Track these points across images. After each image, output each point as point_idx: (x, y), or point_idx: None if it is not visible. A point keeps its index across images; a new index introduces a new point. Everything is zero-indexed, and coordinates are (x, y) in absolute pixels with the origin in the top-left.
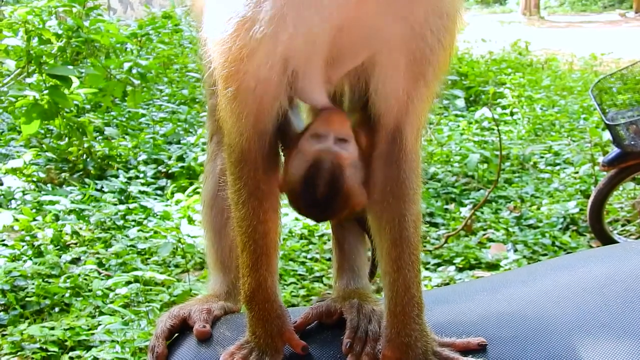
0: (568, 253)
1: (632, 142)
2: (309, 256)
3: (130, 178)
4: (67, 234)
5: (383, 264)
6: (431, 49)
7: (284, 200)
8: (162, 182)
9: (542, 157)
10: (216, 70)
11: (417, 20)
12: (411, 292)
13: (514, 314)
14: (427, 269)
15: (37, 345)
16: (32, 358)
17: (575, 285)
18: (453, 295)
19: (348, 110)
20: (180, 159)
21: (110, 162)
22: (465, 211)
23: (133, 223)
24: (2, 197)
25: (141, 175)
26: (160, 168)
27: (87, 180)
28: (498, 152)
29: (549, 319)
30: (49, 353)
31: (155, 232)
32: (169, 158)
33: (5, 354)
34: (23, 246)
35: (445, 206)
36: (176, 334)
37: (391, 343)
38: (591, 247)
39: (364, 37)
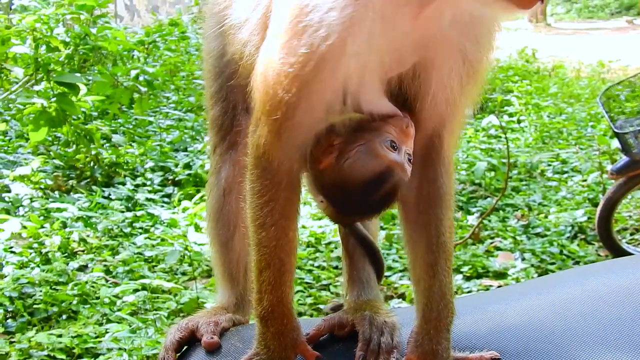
0: (576, 262)
1: None
2: (315, 264)
3: (137, 185)
4: (74, 241)
5: (417, 269)
6: (476, 52)
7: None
8: (169, 189)
9: (549, 165)
10: (263, 98)
11: (472, 24)
12: (447, 298)
13: (527, 326)
14: None
15: (45, 352)
16: None
17: (589, 297)
18: (465, 307)
19: None
20: (187, 166)
21: (117, 170)
22: (472, 219)
23: (140, 230)
24: (10, 204)
25: (148, 182)
26: (167, 175)
27: (94, 187)
28: (505, 160)
29: (562, 331)
30: None
31: (163, 240)
32: (176, 165)
33: None
34: (31, 253)
35: None
36: (185, 347)
37: (421, 349)
38: (599, 256)
39: (419, 42)
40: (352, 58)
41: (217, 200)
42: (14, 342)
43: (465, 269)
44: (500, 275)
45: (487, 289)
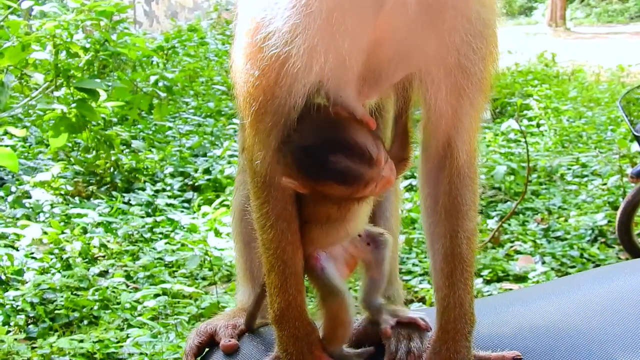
0: (596, 265)
1: None
2: None
3: (157, 191)
4: (95, 246)
5: (435, 278)
6: (470, 60)
7: None
8: (188, 194)
9: (569, 169)
10: (245, 104)
11: (449, 30)
12: (464, 308)
13: (549, 326)
14: None
15: (67, 358)
16: None
17: (611, 297)
18: (487, 308)
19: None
20: (207, 171)
21: (137, 175)
22: (492, 223)
23: (160, 236)
24: (30, 210)
25: (168, 188)
26: (186, 181)
27: (114, 193)
28: (524, 164)
29: (584, 331)
30: None
31: (183, 245)
32: (195, 171)
33: None
34: (52, 259)
35: None
36: (206, 349)
37: (438, 356)
38: (620, 259)
39: (398, 53)
40: (321, 65)
41: (243, 199)
42: (35, 347)
43: (485, 272)
44: (521, 278)
45: None
